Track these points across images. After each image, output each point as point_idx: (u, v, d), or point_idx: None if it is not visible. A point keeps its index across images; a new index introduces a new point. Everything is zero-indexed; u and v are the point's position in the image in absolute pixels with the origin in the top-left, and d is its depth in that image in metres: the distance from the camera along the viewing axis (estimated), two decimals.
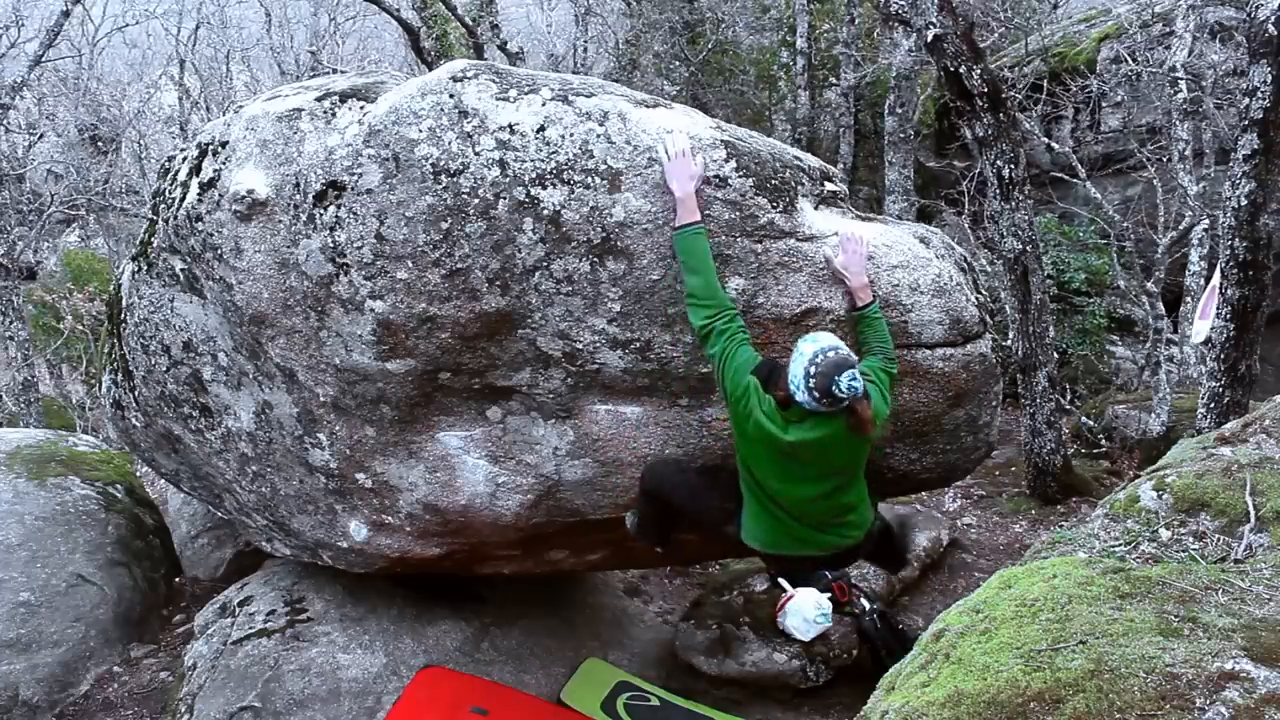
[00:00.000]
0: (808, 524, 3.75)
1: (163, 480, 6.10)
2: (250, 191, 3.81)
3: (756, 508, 3.76)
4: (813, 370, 3.33)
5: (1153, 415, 9.32)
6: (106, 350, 5.24)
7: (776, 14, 19.16)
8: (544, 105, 3.68)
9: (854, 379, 3.30)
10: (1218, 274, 6.52)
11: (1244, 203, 5.77)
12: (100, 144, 18.82)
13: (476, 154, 3.60)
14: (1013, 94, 11.10)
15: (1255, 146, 5.68)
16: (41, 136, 16.67)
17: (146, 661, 5.70)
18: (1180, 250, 10.37)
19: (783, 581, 5.81)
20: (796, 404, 3.42)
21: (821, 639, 5.51)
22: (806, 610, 5.49)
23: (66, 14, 13.16)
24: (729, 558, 6.41)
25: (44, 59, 13.58)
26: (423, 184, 3.61)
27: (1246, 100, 5.72)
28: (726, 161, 3.68)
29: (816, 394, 3.33)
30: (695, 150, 3.61)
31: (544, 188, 3.60)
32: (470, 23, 14.66)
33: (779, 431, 3.45)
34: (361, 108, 3.82)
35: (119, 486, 6.75)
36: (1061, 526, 6.36)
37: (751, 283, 3.73)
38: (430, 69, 8.38)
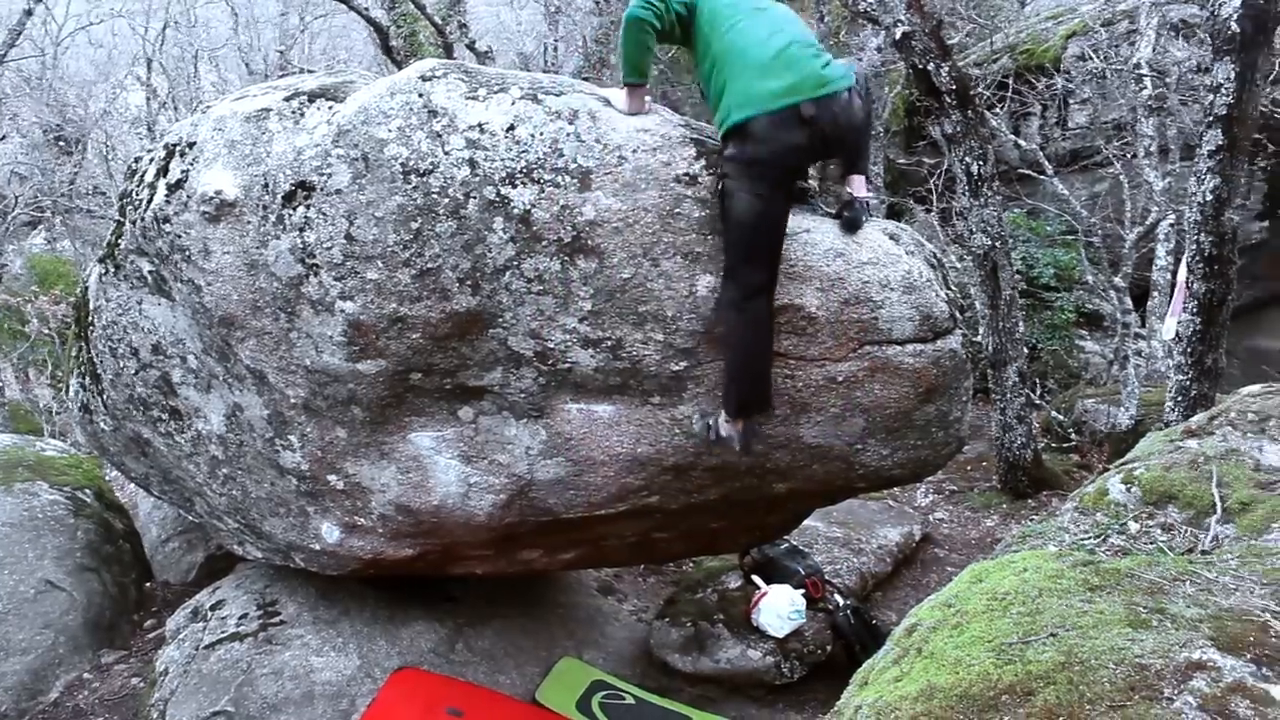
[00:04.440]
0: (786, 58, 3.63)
1: (133, 484, 6.04)
2: (218, 192, 3.78)
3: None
4: None
5: (1121, 409, 9.41)
6: (74, 354, 5.17)
7: None
8: (513, 104, 3.67)
9: None
10: (1183, 269, 6.59)
11: (1209, 198, 5.84)
12: (65, 145, 18.59)
13: (446, 153, 3.59)
14: (981, 91, 11.15)
15: (1220, 142, 5.76)
16: (4, 137, 16.45)
17: (117, 668, 5.63)
18: (1147, 245, 10.46)
19: (756, 578, 5.86)
20: None
21: (795, 635, 5.54)
22: (780, 607, 5.56)
23: (29, 13, 13.01)
24: (702, 555, 6.42)
25: (6, 59, 13.41)
26: (392, 184, 3.59)
27: (1211, 96, 5.79)
28: (696, 160, 3.68)
29: None
30: (665, 149, 3.63)
31: (514, 187, 3.59)
32: (439, 22, 14.58)
33: None
34: (330, 108, 3.80)
35: (88, 491, 6.65)
36: (1032, 520, 6.41)
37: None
38: (399, 68, 8.33)
